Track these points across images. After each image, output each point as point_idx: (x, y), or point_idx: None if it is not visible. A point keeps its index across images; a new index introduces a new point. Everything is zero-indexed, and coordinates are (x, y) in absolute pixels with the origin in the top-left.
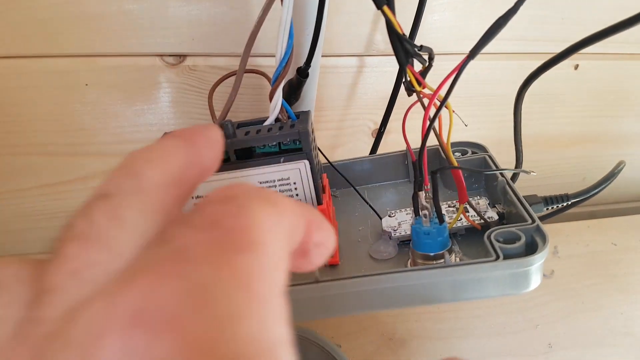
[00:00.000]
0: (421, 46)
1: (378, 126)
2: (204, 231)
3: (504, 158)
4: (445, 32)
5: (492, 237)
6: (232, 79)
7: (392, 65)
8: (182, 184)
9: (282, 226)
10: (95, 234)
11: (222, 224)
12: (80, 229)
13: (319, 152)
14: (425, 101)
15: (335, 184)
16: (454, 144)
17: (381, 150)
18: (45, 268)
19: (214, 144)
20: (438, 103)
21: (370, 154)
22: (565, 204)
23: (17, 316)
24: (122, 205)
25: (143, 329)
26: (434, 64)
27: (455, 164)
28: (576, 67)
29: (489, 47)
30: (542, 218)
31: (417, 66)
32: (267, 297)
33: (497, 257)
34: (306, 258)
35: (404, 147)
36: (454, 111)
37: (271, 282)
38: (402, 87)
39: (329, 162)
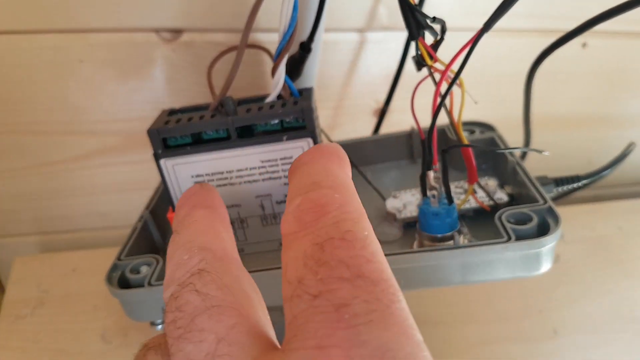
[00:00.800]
0: (434, 18)
1: (380, 105)
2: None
3: (510, 139)
4: (452, 6)
5: (503, 217)
6: (231, 55)
7: (396, 41)
8: None
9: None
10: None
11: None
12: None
13: (322, 132)
14: (436, 76)
15: None
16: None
17: (381, 130)
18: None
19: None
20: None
21: (373, 133)
22: (576, 185)
23: None
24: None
25: None
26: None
27: (466, 142)
28: (584, 45)
29: (495, 23)
30: None
31: (428, 39)
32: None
33: (509, 239)
34: None
35: (405, 127)
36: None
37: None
38: (407, 65)
39: (330, 141)
